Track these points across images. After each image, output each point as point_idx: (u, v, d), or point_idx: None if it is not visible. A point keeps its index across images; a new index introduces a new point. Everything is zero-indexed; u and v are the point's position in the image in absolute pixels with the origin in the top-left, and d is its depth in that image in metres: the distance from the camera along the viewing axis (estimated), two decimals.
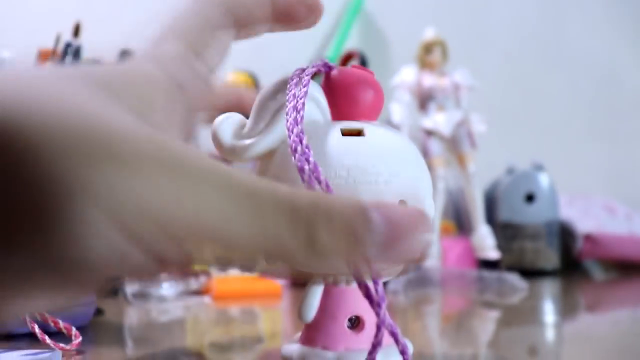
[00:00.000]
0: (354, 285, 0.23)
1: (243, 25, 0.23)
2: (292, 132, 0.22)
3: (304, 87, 0.24)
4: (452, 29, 0.84)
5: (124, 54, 0.67)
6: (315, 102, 0.25)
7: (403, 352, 0.20)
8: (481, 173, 0.73)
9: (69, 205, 0.14)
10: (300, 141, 0.21)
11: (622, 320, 0.51)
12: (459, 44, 0.80)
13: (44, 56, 0.65)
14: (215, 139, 0.24)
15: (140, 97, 0.18)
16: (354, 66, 0.26)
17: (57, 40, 0.64)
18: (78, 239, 0.14)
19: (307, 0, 0.23)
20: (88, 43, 0.64)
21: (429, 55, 0.72)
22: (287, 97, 0.24)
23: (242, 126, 0.25)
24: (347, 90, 0.25)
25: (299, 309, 0.24)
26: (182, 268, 0.16)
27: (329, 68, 0.25)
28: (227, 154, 0.24)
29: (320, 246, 0.15)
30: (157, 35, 0.21)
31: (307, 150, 0.21)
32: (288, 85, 0.24)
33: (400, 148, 0.24)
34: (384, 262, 0.16)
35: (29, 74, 0.17)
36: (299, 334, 0.26)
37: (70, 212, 0.14)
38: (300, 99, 0.23)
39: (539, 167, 0.78)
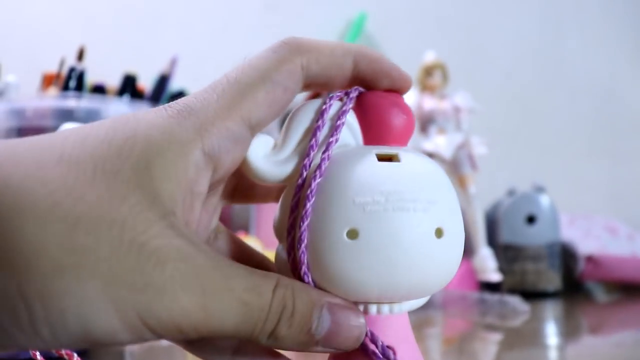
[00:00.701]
0: (386, 312, 0.23)
1: (318, 88, 0.24)
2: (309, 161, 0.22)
3: (343, 113, 0.24)
4: (452, 52, 0.84)
5: (129, 79, 0.67)
6: (348, 126, 0.24)
7: None
8: (482, 195, 0.73)
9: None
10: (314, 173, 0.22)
11: (625, 342, 0.51)
12: (459, 66, 0.81)
13: (48, 80, 0.66)
14: (245, 161, 0.23)
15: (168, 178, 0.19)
16: (384, 90, 0.25)
17: (62, 64, 0.65)
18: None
19: (393, 73, 0.24)
20: (92, 67, 0.65)
21: (430, 78, 0.73)
22: (319, 120, 0.23)
23: (272, 147, 0.24)
24: (380, 114, 0.24)
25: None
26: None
27: (359, 91, 0.25)
28: (255, 175, 0.23)
29: (280, 337, 0.20)
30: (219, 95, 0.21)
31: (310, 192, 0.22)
32: (323, 107, 0.24)
33: (436, 175, 0.24)
34: (327, 349, 0.21)
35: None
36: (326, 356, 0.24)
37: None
38: (334, 133, 0.23)
39: (540, 189, 0.78)
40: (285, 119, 0.25)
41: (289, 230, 0.23)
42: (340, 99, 0.24)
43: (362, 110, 0.25)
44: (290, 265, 0.23)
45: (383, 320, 0.23)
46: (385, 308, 0.23)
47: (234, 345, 0.24)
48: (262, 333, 0.20)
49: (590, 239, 0.82)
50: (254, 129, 0.22)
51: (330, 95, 0.24)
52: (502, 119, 0.97)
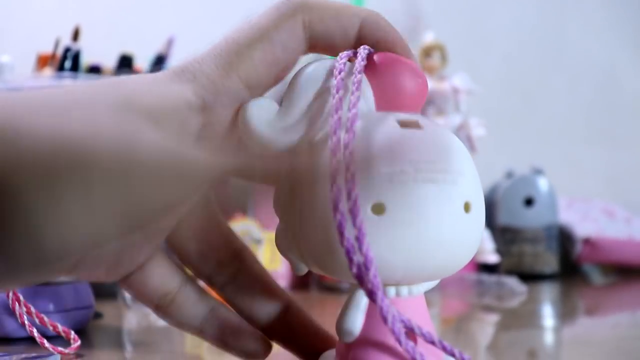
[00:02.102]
0: (405, 294, 0.21)
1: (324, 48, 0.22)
2: (339, 128, 0.20)
3: (357, 76, 0.21)
4: (451, 33, 0.84)
5: (125, 59, 0.67)
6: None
7: None
8: (480, 177, 0.73)
9: None
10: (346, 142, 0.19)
11: (621, 323, 0.51)
12: (458, 48, 0.80)
13: (43, 60, 0.66)
14: (246, 126, 0.21)
15: (180, 123, 0.19)
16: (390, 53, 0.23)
17: (57, 44, 0.64)
18: None
19: (397, 46, 0.23)
20: (87, 47, 0.65)
21: (428, 59, 0.72)
22: (334, 86, 0.21)
23: (276, 112, 0.22)
24: (396, 77, 0.22)
25: (338, 324, 0.20)
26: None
27: (369, 51, 0.22)
28: (259, 143, 0.21)
29: None
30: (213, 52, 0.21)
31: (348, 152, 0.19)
32: (335, 71, 0.21)
33: (460, 145, 0.22)
34: None
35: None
36: (332, 352, 0.23)
37: None
38: (355, 90, 0.21)
39: (538, 171, 0.78)
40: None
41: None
42: (350, 59, 0.22)
43: (375, 73, 0.22)
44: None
45: (402, 303, 0.21)
46: (404, 290, 0.21)
47: (208, 307, 0.24)
48: None
49: (587, 221, 0.82)
50: (253, 89, 0.21)
51: (343, 56, 0.22)
52: (501, 101, 0.97)
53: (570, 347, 0.40)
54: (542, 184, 0.77)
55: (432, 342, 0.20)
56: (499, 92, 0.97)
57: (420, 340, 0.20)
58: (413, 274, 0.20)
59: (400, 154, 0.20)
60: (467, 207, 0.20)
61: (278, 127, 0.21)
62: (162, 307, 0.23)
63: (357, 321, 0.20)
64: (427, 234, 0.19)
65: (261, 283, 0.25)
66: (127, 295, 0.54)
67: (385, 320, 0.19)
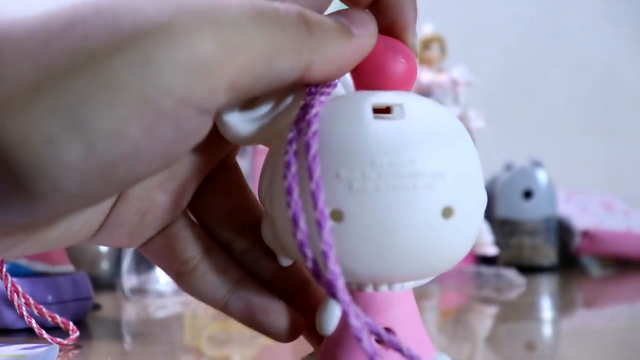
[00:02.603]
0: (384, 291, 0.20)
1: None
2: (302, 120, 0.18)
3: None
4: (450, 25, 0.84)
5: None
6: None
7: None
8: None
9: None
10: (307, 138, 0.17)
11: (619, 315, 0.51)
12: (457, 39, 0.80)
13: None
14: (217, 116, 0.19)
15: None
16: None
17: None
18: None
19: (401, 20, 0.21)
20: None
21: (427, 51, 0.72)
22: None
23: (251, 102, 0.20)
24: (374, 58, 0.20)
25: (316, 318, 0.20)
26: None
27: None
28: (229, 134, 0.20)
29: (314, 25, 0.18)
30: None
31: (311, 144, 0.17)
32: None
33: (448, 133, 0.19)
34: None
35: None
36: (318, 348, 0.22)
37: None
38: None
39: (537, 164, 0.78)
40: None
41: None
42: None
43: None
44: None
45: (381, 298, 0.20)
46: (383, 286, 0.20)
47: (234, 279, 0.22)
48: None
49: (586, 214, 0.82)
50: None
51: None
52: (500, 94, 0.97)
53: (569, 339, 0.40)
54: (541, 176, 0.77)
55: (398, 350, 0.17)
56: (498, 84, 0.97)
57: (400, 333, 0.19)
58: (382, 279, 0.19)
59: (362, 153, 0.18)
60: (447, 213, 0.18)
61: (251, 116, 0.20)
62: (183, 275, 0.22)
63: (328, 317, 0.19)
64: (391, 245, 0.18)
65: None
66: (126, 287, 0.54)
67: (346, 316, 0.17)
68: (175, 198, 0.21)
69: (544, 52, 1.03)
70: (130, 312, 0.49)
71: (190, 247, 0.22)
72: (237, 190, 0.23)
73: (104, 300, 0.49)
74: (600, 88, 1.05)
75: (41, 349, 0.26)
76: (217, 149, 0.22)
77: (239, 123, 0.20)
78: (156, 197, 0.21)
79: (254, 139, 0.20)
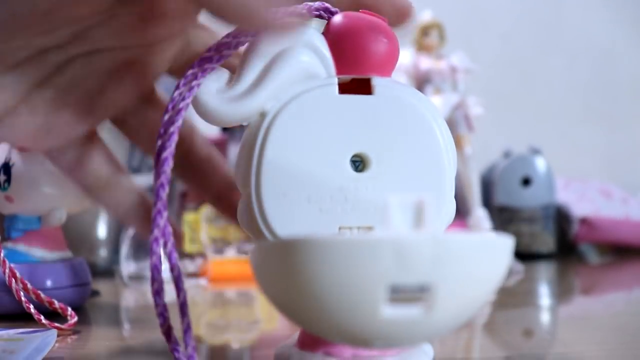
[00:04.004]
0: None
1: None
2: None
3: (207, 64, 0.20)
4: (449, 12, 0.83)
5: None
6: (316, 53, 0.20)
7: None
8: (478, 156, 0.73)
9: None
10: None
11: (616, 302, 0.52)
12: (456, 26, 0.80)
13: None
14: (194, 99, 0.20)
15: None
16: (362, 11, 0.21)
17: None
18: None
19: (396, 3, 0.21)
20: None
21: (426, 38, 0.72)
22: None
23: (227, 81, 0.20)
24: (354, 38, 0.20)
25: None
26: None
27: (330, 13, 0.21)
28: (206, 115, 0.20)
29: None
30: None
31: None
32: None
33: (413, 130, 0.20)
34: None
35: None
36: (296, 334, 0.22)
37: None
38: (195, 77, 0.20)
39: (536, 151, 0.78)
40: None
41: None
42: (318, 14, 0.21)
43: (333, 34, 0.20)
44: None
45: None
46: None
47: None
48: None
49: (584, 201, 0.82)
50: None
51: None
52: (499, 81, 0.97)
53: (566, 325, 0.40)
54: (540, 163, 0.77)
55: None
56: (497, 71, 0.97)
57: None
58: None
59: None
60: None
61: (226, 96, 0.20)
62: (93, 190, 0.26)
63: None
64: None
65: (210, 163, 0.26)
66: (124, 274, 0.54)
67: None
68: (80, 115, 0.23)
69: (543, 39, 1.03)
70: (128, 298, 0.49)
71: (102, 169, 0.25)
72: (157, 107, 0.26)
73: (103, 286, 0.49)
74: (599, 75, 1.04)
75: (39, 334, 0.26)
76: (130, 83, 0.23)
77: (216, 104, 0.20)
78: (61, 107, 0.22)
79: (231, 119, 0.20)
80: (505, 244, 0.17)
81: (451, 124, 0.71)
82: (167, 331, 0.19)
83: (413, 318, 0.16)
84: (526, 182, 0.76)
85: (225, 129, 0.75)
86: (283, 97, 0.20)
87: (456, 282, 0.16)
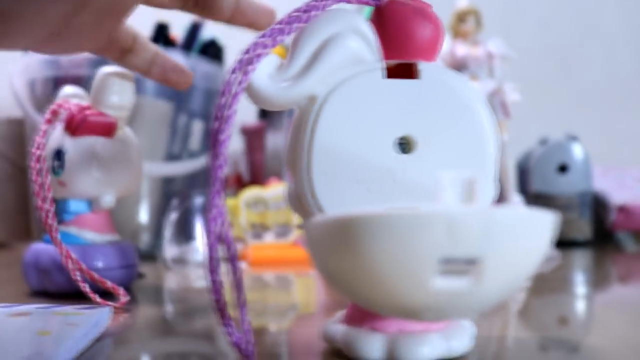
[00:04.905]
0: None
1: None
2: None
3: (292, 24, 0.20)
4: None
5: (161, 28, 0.67)
6: (361, 37, 0.21)
7: None
8: (514, 143, 0.73)
9: None
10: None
11: None
12: (493, 12, 0.79)
13: None
14: (248, 85, 0.21)
15: None
16: None
17: None
18: None
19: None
20: None
21: (463, 24, 0.72)
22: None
23: (278, 66, 0.21)
24: (400, 24, 0.21)
25: None
26: None
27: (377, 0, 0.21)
28: (258, 98, 0.21)
29: None
30: None
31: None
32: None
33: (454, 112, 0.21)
34: None
35: None
36: (343, 311, 0.23)
37: None
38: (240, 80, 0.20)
39: (573, 138, 0.77)
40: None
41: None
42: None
43: (380, 20, 0.21)
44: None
45: None
46: None
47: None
48: None
49: (622, 189, 0.81)
50: None
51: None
52: (536, 67, 0.96)
53: (602, 313, 0.40)
54: (577, 150, 0.76)
55: None
56: (534, 57, 0.96)
57: None
58: None
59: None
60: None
61: (278, 80, 0.21)
62: (124, 54, 0.33)
63: None
64: None
65: None
66: (168, 258, 0.55)
67: None
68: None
69: (581, 24, 1.01)
70: (171, 281, 0.51)
71: (128, 34, 0.33)
72: None
73: (146, 270, 0.51)
74: (638, 61, 1.02)
75: (96, 310, 0.27)
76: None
77: (268, 88, 0.21)
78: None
79: (282, 103, 0.21)
80: (548, 219, 0.17)
81: None
82: (222, 307, 0.20)
83: (462, 289, 0.17)
84: (563, 169, 0.76)
85: (263, 116, 0.76)
86: (331, 82, 0.21)
87: (503, 255, 0.16)
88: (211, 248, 0.21)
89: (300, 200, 0.22)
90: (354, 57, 0.21)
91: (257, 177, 0.74)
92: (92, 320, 0.25)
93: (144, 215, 0.64)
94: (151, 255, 0.63)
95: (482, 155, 0.21)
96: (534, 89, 0.87)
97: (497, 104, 0.70)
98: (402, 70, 0.21)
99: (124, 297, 0.35)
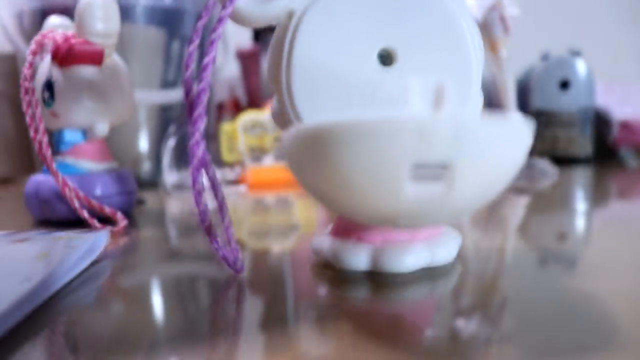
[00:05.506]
0: None
1: None
2: None
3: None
4: None
5: None
6: None
7: None
8: (514, 60, 0.72)
9: None
10: None
11: None
12: None
13: None
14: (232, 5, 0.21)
15: None
16: None
17: None
18: None
19: None
20: None
21: None
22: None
23: None
24: None
25: None
26: None
27: None
28: (238, 17, 0.21)
29: None
30: None
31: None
32: None
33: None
34: None
35: None
36: (330, 226, 0.24)
37: None
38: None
39: (576, 53, 0.76)
40: None
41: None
42: None
43: None
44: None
45: None
46: None
47: None
48: None
49: (626, 105, 0.80)
50: None
51: None
52: None
53: (601, 229, 0.40)
54: (579, 66, 0.75)
55: None
56: None
57: None
58: None
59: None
60: None
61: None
62: None
63: None
64: None
65: None
66: (168, 184, 0.56)
67: None
68: None
69: None
70: (172, 206, 0.51)
71: None
72: None
73: (148, 196, 0.51)
74: None
75: (94, 233, 0.28)
76: None
77: (246, 5, 0.20)
78: None
79: (260, 20, 0.21)
80: (523, 127, 0.17)
81: (486, 26, 0.69)
82: (208, 228, 0.21)
83: (435, 195, 0.17)
84: (564, 85, 0.75)
85: (257, 39, 0.74)
86: None
87: (475, 161, 0.16)
88: (194, 173, 0.21)
89: (284, 117, 0.22)
90: None
91: (255, 100, 0.73)
92: (90, 241, 0.26)
93: (143, 143, 0.64)
94: (153, 182, 0.63)
95: (464, 66, 0.21)
96: (535, 2, 0.84)
97: (496, 19, 0.68)
98: None
99: (122, 221, 0.36)
